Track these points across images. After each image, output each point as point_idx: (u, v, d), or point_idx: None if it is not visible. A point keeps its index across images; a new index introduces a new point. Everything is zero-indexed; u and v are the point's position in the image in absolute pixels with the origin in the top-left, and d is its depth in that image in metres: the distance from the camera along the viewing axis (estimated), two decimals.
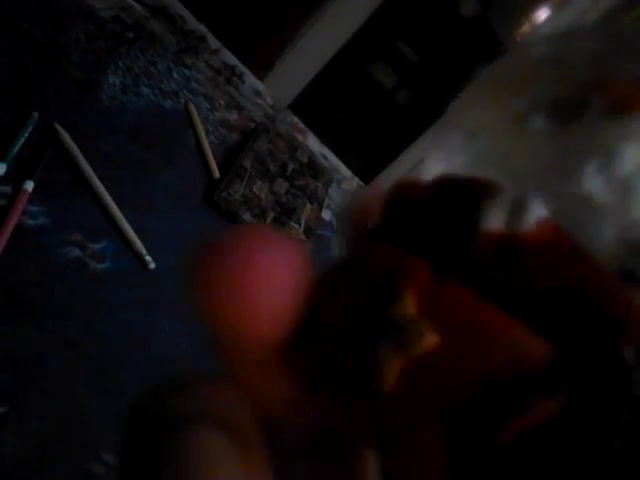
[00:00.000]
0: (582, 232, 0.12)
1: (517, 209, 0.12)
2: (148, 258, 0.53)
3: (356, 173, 1.02)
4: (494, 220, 0.12)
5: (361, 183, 1.01)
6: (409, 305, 0.12)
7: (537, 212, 0.12)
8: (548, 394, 0.11)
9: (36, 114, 0.54)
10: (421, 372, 0.12)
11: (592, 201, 0.13)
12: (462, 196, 0.13)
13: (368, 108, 2.39)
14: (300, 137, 0.92)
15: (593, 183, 0.12)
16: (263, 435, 0.14)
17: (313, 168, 0.83)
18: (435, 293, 0.12)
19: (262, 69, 1.44)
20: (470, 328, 0.12)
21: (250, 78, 0.89)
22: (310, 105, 1.80)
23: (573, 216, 0.13)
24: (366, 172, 1.95)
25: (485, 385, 0.11)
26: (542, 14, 2.21)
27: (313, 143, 0.94)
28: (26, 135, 0.52)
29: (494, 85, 0.15)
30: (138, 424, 0.14)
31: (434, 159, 0.15)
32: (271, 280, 0.13)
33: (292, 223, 0.71)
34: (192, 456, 0.12)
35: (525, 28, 2.27)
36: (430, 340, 0.12)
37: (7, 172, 0.49)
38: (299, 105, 1.61)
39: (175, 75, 0.75)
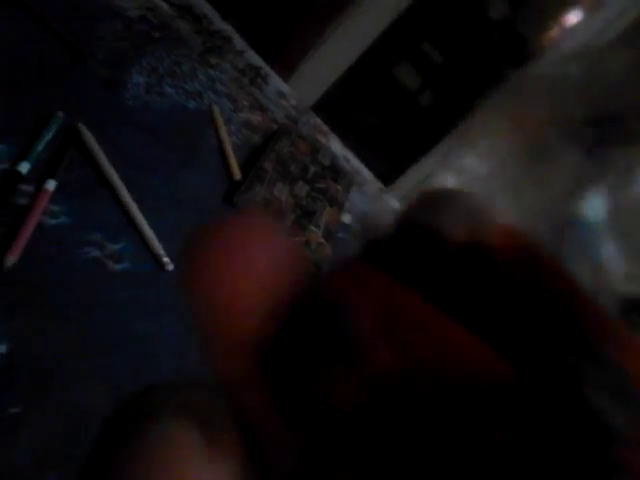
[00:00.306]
0: (579, 258, 0.12)
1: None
2: (166, 259, 0.53)
3: (378, 175, 1.02)
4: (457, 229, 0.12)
5: (382, 187, 1.00)
6: (364, 320, 0.12)
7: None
8: (504, 413, 0.11)
9: (60, 113, 0.54)
10: (378, 389, 0.12)
11: (597, 228, 0.12)
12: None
13: (392, 110, 2.38)
14: (323, 139, 0.91)
15: (598, 209, 0.12)
16: (238, 435, 0.14)
17: (334, 171, 0.82)
18: (394, 308, 0.12)
19: (287, 70, 1.44)
20: (430, 342, 0.12)
21: (274, 79, 0.89)
22: (334, 106, 1.79)
23: (572, 241, 0.12)
24: (388, 174, 1.94)
25: (441, 399, 0.11)
26: (573, 17, 2.17)
27: (335, 145, 0.94)
28: (50, 134, 0.52)
29: (511, 105, 0.15)
30: (113, 416, 0.14)
31: (446, 176, 0.15)
32: (257, 263, 0.13)
33: (311, 226, 0.71)
34: (158, 448, 0.12)
35: (555, 31, 2.23)
36: (386, 356, 0.12)
37: (30, 171, 0.49)
38: (323, 106, 1.61)
39: (199, 75, 0.75)
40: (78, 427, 0.39)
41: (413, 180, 1.98)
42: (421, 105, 2.42)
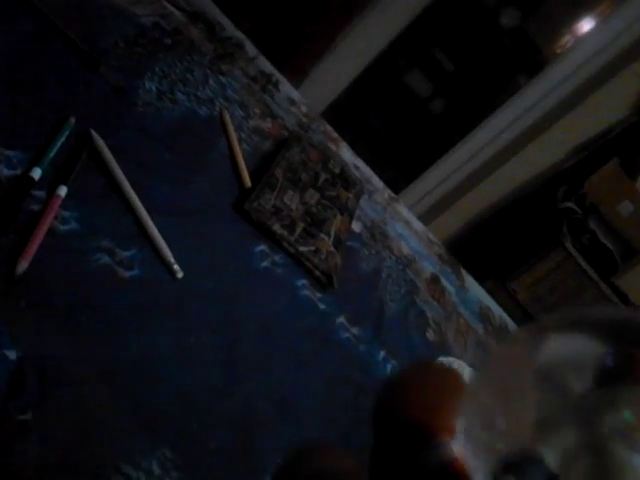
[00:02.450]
0: None
1: None
2: (176, 267, 0.53)
3: (387, 181, 1.01)
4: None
5: (393, 195, 0.99)
6: None
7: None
8: None
9: (73, 119, 0.55)
10: None
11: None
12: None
13: (402, 116, 2.37)
14: (333, 146, 0.91)
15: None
16: None
17: (345, 179, 0.82)
18: None
19: (298, 75, 1.45)
20: None
21: (285, 86, 0.89)
22: (344, 112, 1.79)
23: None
24: (398, 181, 1.93)
25: None
26: (585, 25, 2.16)
27: (346, 153, 0.93)
28: (62, 140, 0.53)
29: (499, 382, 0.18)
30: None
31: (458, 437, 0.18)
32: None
33: (322, 234, 0.71)
34: None
35: (567, 39, 2.22)
36: None
37: (42, 176, 0.49)
38: (333, 112, 1.61)
39: (211, 82, 0.75)
40: (85, 434, 0.39)
41: (423, 187, 1.98)
42: (432, 112, 2.42)
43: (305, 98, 0.94)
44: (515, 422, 0.16)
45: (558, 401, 0.16)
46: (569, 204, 1.86)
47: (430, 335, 0.80)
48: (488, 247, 1.94)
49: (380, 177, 0.99)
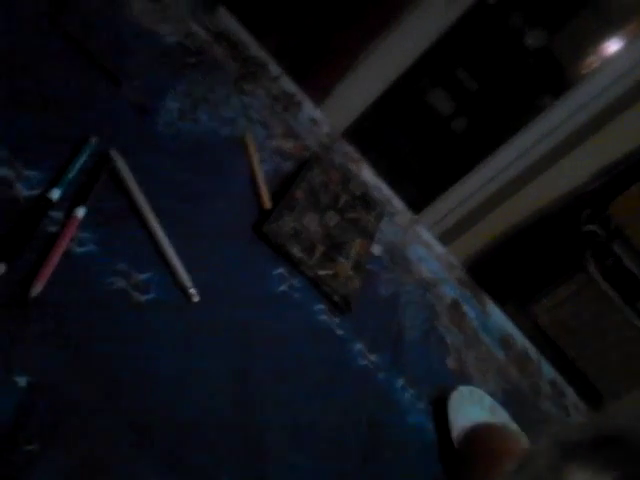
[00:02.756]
0: None
1: None
2: (192, 291, 0.52)
3: (409, 201, 1.00)
4: None
5: (414, 216, 0.98)
6: None
7: None
8: None
9: (93, 139, 0.54)
10: None
11: None
12: None
13: (424, 135, 2.36)
14: (354, 167, 0.90)
15: None
16: None
17: (366, 201, 0.81)
18: None
19: (321, 93, 1.44)
20: None
21: (308, 106, 0.88)
22: (366, 131, 1.78)
23: None
24: (420, 201, 1.92)
25: None
26: (612, 46, 2.13)
27: (367, 174, 0.92)
28: (82, 160, 0.52)
29: None
30: None
31: None
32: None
33: (341, 258, 0.69)
34: None
35: (593, 60, 2.20)
36: None
37: (62, 197, 0.49)
38: (355, 131, 1.60)
39: (233, 101, 0.75)
40: (94, 471, 0.38)
41: (444, 206, 1.96)
42: (454, 131, 2.40)
43: (327, 117, 0.93)
44: None
45: None
46: (593, 227, 1.83)
47: (450, 362, 0.78)
48: (509, 269, 1.91)
49: (400, 196, 0.98)
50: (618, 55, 1.94)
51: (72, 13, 0.64)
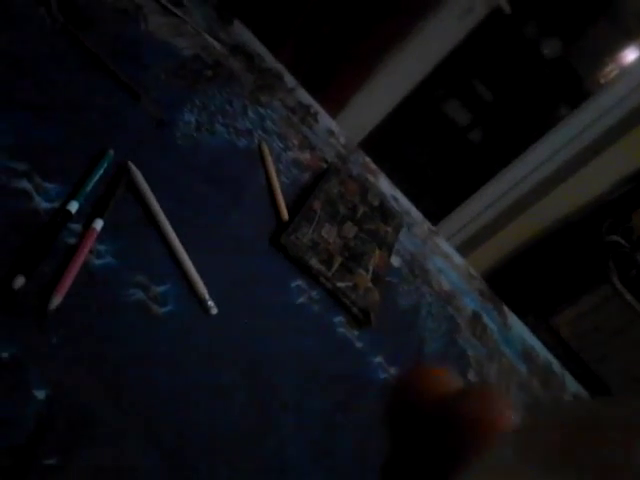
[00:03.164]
0: None
1: None
2: (210, 303, 0.51)
3: (426, 212, 0.99)
4: None
5: (432, 227, 0.97)
6: None
7: None
8: None
9: (111, 152, 0.54)
10: None
11: None
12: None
13: (441, 147, 2.35)
14: (372, 178, 0.89)
15: None
16: None
17: (384, 212, 0.80)
18: None
19: (337, 105, 1.45)
20: None
21: (324, 117, 0.88)
22: (383, 142, 1.78)
23: None
24: (436, 212, 1.90)
25: None
26: (630, 54, 2.12)
27: (384, 185, 0.92)
28: (100, 172, 0.52)
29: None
30: None
31: None
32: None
33: (360, 270, 0.68)
34: None
35: (611, 69, 2.18)
36: None
37: (80, 209, 0.49)
38: (372, 142, 1.60)
39: (250, 114, 0.75)
40: None
41: (462, 218, 1.94)
42: (471, 142, 2.39)
43: (343, 128, 0.93)
44: None
45: None
46: (615, 237, 1.80)
47: (471, 376, 0.77)
48: (529, 281, 1.88)
49: (418, 208, 0.97)
50: (636, 64, 1.92)
51: (90, 29, 0.64)
